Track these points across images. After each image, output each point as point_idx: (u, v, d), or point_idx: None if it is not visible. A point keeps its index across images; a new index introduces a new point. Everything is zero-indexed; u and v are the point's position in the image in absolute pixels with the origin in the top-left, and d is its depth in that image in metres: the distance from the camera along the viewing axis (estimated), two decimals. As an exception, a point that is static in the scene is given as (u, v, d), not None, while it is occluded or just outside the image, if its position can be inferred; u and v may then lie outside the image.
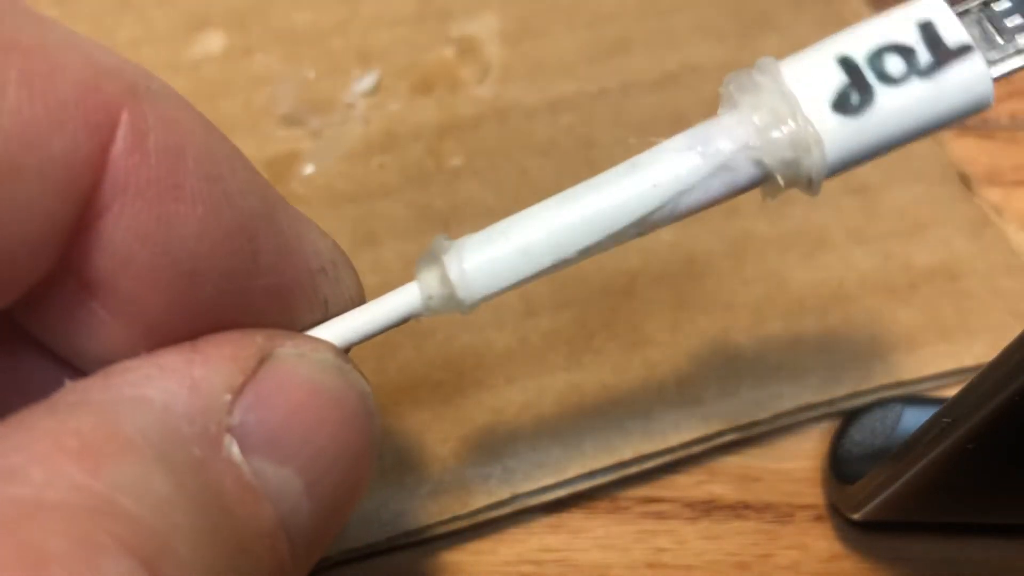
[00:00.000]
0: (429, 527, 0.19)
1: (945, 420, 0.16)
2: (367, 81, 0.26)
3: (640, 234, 0.13)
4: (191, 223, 0.12)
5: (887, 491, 0.18)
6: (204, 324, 0.12)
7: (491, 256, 0.13)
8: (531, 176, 0.25)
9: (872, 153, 0.13)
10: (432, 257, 0.14)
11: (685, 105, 0.26)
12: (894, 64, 0.12)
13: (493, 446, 0.20)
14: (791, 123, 0.12)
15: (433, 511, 0.19)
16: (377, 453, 0.13)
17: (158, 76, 0.12)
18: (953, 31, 0.12)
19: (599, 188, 0.13)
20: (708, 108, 0.13)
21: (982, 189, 0.24)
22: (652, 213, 0.13)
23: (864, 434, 0.20)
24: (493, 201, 0.24)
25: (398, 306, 0.14)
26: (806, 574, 0.20)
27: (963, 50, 0.12)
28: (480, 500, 0.20)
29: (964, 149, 0.26)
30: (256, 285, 0.13)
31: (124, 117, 0.11)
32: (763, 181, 0.13)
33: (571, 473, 0.20)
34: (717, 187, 0.13)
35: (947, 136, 0.26)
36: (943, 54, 0.12)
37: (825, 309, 0.22)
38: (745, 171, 0.13)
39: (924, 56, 0.12)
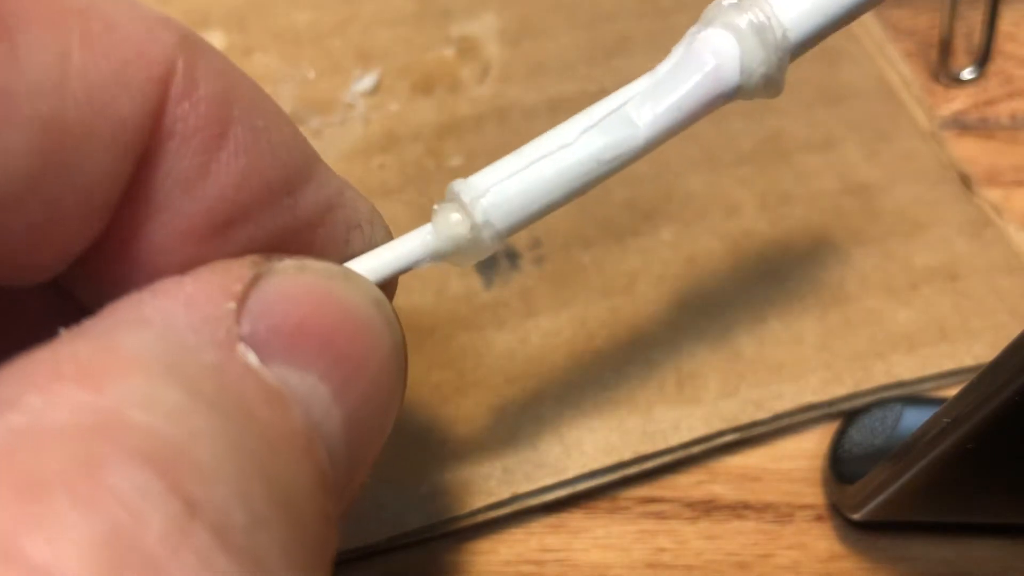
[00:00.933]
0: (429, 527, 0.19)
1: (945, 420, 0.16)
2: (367, 81, 0.26)
3: (635, 139, 0.14)
4: (233, 173, 0.11)
5: (887, 491, 0.18)
6: None
7: (494, 165, 0.14)
8: (531, 176, 0.25)
9: (816, 4, 0.13)
10: (446, 196, 0.14)
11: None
12: None
13: (493, 446, 0.20)
14: None
15: (433, 511, 0.19)
16: (405, 366, 0.13)
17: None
18: None
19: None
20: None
21: (982, 189, 0.24)
22: (632, 98, 0.14)
23: (864, 434, 0.20)
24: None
25: (413, 242, 0.14)
26: (806, 574, 0.20)
27: None
28: (480, 500, 0.20)
29: (964, 149, 0.26)
30: (291, 238, 0.12)
31: (179, 65, 0.11)
32: (734, 64, 0.13)
33: (571, 473, 0.20)
34: (684, 66, 0.14)
35: (947, 136, 0.26)
36: None
37: (825, 309, 0.22)
38: (704, 41, 0.14)
39: None
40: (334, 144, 0.25)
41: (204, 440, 0.09)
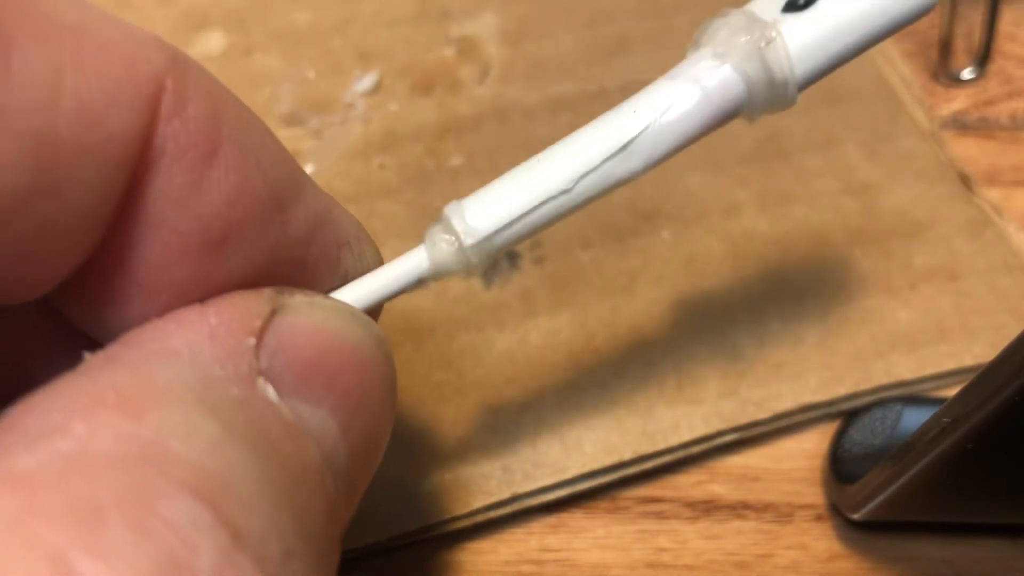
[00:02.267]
0: (429, 527, 0.19)
1: (945, 420, 0.16)
2: (367, 81, 0.26)
3: (631, 170, 0.14)
4: (224, 191, 0.12)
5: (887, 491, 0.18)
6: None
7: (490, 198, 0.14)
8: (531, 176, 0.25)
9: (830, 48, 0.13)
10: (438, 219, 0.14)
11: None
12: None
13: (493, 446, 0.20)
14: (751, 28, 0.13)
15: (433, 511, 0.19)
16: (395, 400, 0.14)
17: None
18: None
19: (587, 126, 0.14)
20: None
21: (982, 189, 0.24)
22: (636, 137, 0.14)
23: (864, 434, 0.20)
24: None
25: (407, 267, 0.14)
26: (806, 574, 0.20)
27: None
28: (480, 500, 0.20)
29: (964, 149, 0.26)
30: (283, 256, 0.13)
31: (169, 85, 0.11)
32: (740, 101, 0.14)
33: (571, 473, 0.20)
34: (693, 105, 0.14)
35: (947, 136, 0.26)
36: None
37: (825, 309, 0.22)
38: (716, 80, 0.13)
39: None
40: (334, 144, 0.25)
41: (241, 472, 0.10)
